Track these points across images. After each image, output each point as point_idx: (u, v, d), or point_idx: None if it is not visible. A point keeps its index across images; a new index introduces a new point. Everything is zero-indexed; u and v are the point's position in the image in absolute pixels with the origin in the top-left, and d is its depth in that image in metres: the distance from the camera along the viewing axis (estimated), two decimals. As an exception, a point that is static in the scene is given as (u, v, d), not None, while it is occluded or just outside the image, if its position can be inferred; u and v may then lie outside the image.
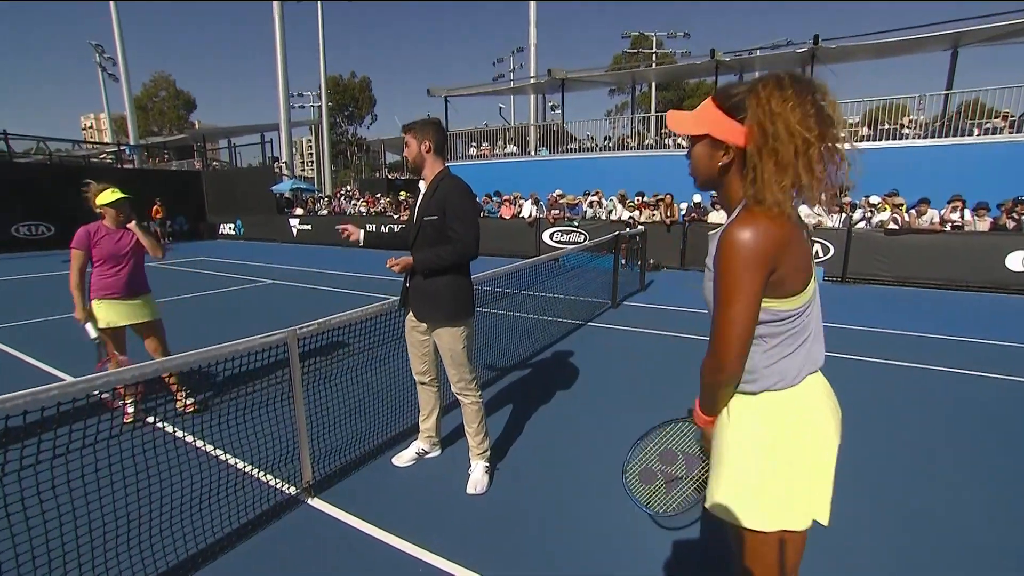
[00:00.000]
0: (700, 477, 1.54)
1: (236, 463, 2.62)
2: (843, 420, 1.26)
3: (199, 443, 2.85)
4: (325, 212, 17.76)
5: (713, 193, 12.18)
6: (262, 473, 2.64)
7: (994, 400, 3.92)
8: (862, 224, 9.61)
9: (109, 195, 3.44)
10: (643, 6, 73.72)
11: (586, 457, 3.06)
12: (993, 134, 11.77)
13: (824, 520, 1.18)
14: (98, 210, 3.47)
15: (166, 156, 29.55)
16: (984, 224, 9.04)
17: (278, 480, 2.63)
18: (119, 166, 22.72)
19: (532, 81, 20.77)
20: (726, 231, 1.11)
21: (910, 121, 13.31)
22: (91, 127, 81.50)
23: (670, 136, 16.12)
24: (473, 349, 2.75)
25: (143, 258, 3.60)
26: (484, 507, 2.58)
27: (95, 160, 27.73)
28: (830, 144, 1.07)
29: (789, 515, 1.16)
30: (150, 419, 3.06)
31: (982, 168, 11.16)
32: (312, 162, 52.24)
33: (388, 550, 2.26)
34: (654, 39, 35.87)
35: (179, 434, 3.06)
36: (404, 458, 2.97)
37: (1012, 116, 12.12)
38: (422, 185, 2.65)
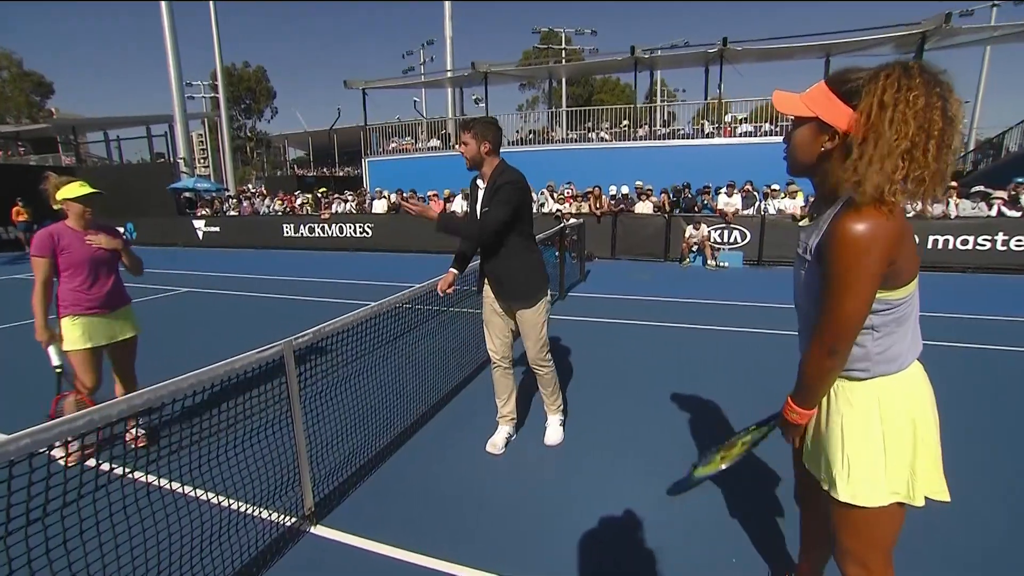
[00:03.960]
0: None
1: (227, 502, 2.26)
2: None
3: (181, 486, 2.44)
4: (234, 213, 16.24)
5: (638, 183, 12.62)
6: (257, 508, 2.35)
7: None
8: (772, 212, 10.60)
9: (77, 188, 2.83)
10: (553, 5, 75.32)
11: (589, 445, 3.08)
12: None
13: (945, 497, 1.23)
14: (58, 206, 2.85)
15: (20, 149, 25.38)
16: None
17: (276, 512, 2.36)
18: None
19: (451, 74, 20.48)
20: (842, 224, 1.08)
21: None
22: (-103, 113, 66.57)
23: (593, 130, 16.73)
24: (548, 320, 2.95)
25: (119, 263, 3.06)
26: (502, 504, 2.50)
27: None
28: (945, 142, 1.03)
29: (909, 492, 1.21)
30: (108, 466, 2.53)
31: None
32: (205, 158, 47.25)
33: (412, 569, 2.11)
34: (563, 35, 36.93)
35: (155, 478, 2.60)
36: (498, 445, 3.02)
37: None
38: (480, 182, 2.79)
